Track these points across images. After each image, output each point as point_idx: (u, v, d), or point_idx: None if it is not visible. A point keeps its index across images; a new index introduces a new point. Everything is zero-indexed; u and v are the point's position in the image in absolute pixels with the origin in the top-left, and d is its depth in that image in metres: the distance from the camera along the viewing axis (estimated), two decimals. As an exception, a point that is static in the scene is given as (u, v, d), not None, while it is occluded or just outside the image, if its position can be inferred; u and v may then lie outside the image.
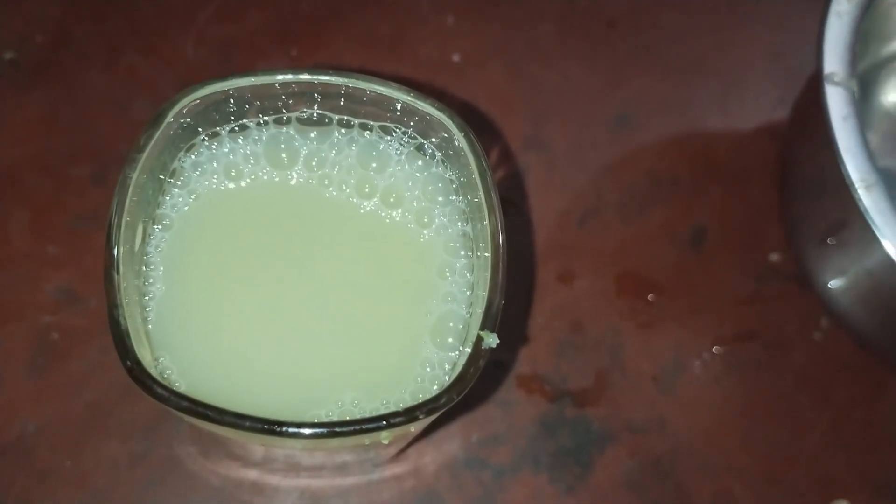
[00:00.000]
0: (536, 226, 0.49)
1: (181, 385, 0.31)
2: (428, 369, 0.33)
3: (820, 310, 0.49)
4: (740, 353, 0.48)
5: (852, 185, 0.38)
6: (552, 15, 0.56)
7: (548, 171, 0.51)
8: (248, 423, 0.27)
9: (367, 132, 0.36)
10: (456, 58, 0.54)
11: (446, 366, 0.33)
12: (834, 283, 0.46)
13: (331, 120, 0.36)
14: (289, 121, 0.36)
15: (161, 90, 0.51)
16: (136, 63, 0.52)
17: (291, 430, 0.27)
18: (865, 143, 0.39)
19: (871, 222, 0.38)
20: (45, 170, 0.48)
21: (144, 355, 0.29)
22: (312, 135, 0.36)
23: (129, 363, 0.28)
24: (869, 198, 0.38)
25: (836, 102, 0.40)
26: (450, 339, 0.33)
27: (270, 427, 0.27)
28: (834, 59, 0.41)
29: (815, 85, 0.41)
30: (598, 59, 0.55)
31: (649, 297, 0.48)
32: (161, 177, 0.34)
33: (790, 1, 0.57)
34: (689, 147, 0.53)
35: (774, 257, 0.50)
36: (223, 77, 0.33)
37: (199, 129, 0.34)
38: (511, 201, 0.50)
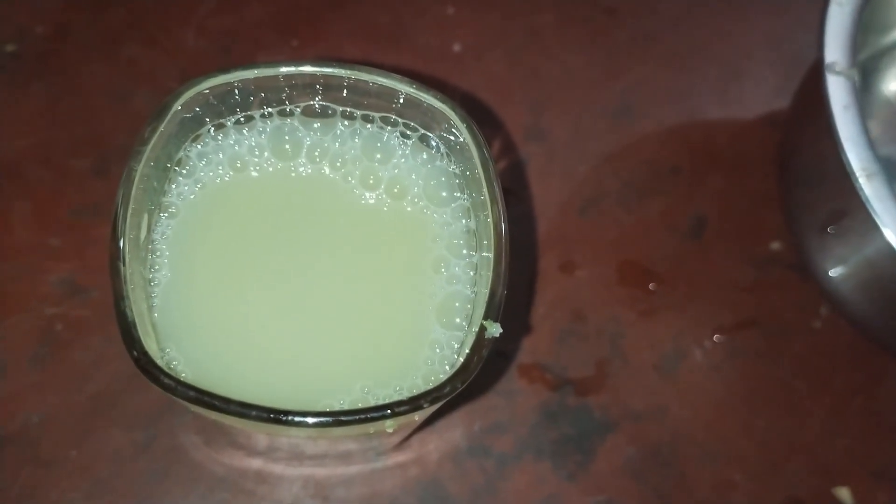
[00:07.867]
0: (538, 216, 0.50)
1: (187, 375, 0.31)
2: (437, 350, 0.33)
3: (820, 298, 0.49)
4: (740, 341, 0.48)
5: (853, 173, 0.39)
6: (551, 4, 0.56)
7: (548, 161, 0.51)
8: (253, 413, 0.27)
9: (370, 124, 0.36)
10: (456, 47, 0.54)
11: (455, 345, 0.33)
12: (834, 272, 0.46)
13: (334, 111, 0.36)
14: (292, 112, 0.36)
15: (162, 81, 0.51)
16: (136, 54, 0.52)
17: (297, 419, 0.27)
18: (866, 132, 0.39)
19: (871, 211, 0.38)
20: (47, 162, 0.48)
21: (150, 345, 0.29)
22: (316, 125, 0.36)
23: (135, 353, 0.28)
24: (870, 186, 0.38)
25: (837, 92, 0.40)
26: (456, 319, 0.33)
27: (276, 416, 0.27)
28: (835, 49, 0.41)
29: (816, 74, 0.41)
30: (597, 48, 0.55)
31: (650, 285, 0.49)
32: (167, 166, 0.34)
33: (790, -11, 0.57)
34: (689, 136, 0.53)
35: (775, 246, 0.50)
36: (227, 69, 0.33)
37: (206, 120, 0.35)
38: (512, 191, 0.50)
